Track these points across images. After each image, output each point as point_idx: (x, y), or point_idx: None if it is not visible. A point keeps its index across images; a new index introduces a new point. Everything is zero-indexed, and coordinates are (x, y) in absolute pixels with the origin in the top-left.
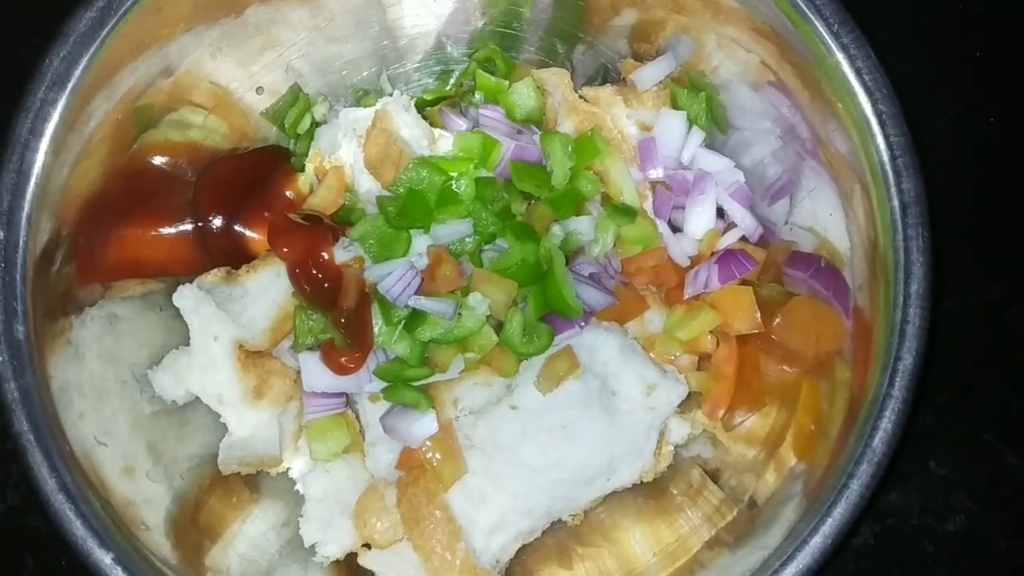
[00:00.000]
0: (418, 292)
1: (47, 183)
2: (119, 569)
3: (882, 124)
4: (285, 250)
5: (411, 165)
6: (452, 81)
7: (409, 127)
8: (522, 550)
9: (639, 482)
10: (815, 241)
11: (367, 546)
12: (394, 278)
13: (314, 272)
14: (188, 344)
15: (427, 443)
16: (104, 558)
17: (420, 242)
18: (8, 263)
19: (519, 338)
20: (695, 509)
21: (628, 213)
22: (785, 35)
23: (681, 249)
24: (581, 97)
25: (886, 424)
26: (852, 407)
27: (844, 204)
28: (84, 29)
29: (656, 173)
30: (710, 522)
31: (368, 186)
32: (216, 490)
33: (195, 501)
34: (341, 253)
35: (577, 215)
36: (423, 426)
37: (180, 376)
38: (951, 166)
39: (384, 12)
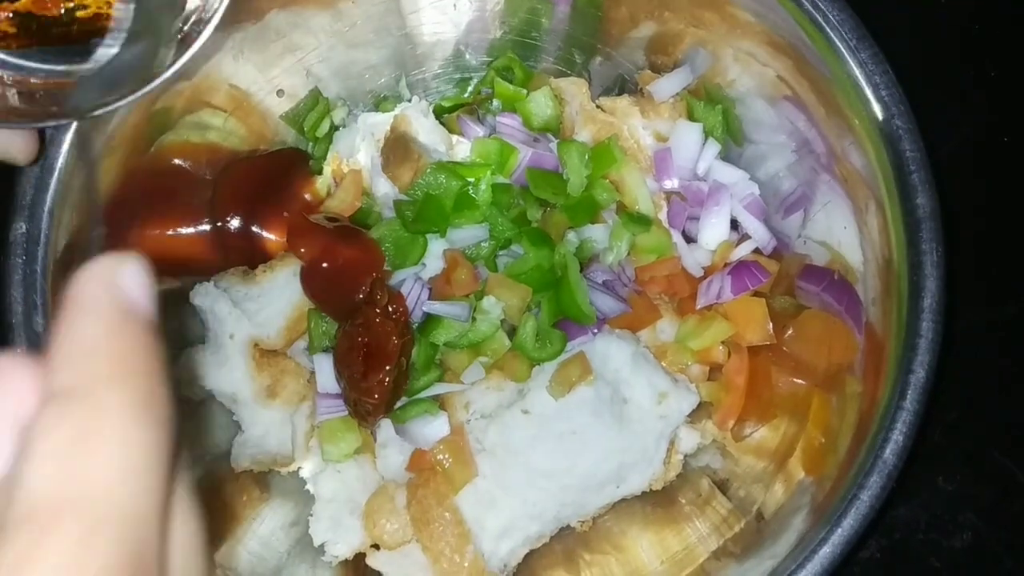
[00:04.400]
0: (430, 298)
1: (69, 179)
2: None
3: (898, 139)
4: (303, 250)
5: (429, 170)
6: (470, 88)
7: (427, 133)
8: (530, 555)
9: (648, 490)
10: (828, 255)
11: (376, 547)
12: (405, 289)
13: (331, 272)
14: (204, 342)
15: (438, 446)
16: None
17: (436, 246)
18: (29, 256)
19: (532, 343)
20: (703, 519)
21: (643, 222)
22: (802, 50)
23: (695, 259)
24: (598, 107)
25: (897, 436)
26: (862, 421)
27: (858, 218)
28: None
29: (671, 183)
30: (717, 532)
31: (385, 190)
32: (228, 488)
33: (207, 498)
34: None
35: (592, 223)
36: (435, 429)
37: (195, 374)
38: (965, 184)
39: (404, 20)
